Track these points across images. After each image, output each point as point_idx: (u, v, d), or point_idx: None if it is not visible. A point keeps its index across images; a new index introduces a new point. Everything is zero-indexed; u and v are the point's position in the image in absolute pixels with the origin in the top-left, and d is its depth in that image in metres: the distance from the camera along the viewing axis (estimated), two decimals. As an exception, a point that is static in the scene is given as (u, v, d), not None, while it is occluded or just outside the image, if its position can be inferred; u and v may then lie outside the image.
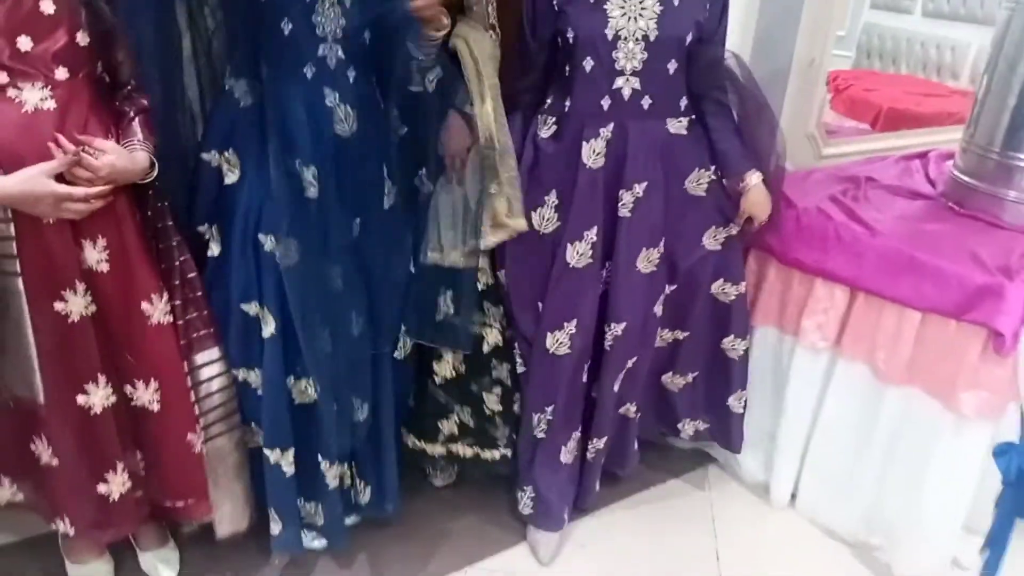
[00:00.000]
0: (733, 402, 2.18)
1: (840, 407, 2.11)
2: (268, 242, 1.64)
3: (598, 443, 2.06)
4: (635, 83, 1.80)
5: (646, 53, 1.78)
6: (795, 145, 2.55)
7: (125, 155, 1.50)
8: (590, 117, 1.84)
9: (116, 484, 1.65)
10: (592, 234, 1.87)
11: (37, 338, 1.50)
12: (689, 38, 1.80)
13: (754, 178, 1.95)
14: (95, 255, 1.53)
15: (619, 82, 1.80)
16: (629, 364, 2.00)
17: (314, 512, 1.86)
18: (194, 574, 1.93)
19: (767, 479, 2.32)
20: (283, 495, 1.78)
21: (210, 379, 1.71)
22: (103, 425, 1.61)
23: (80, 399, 1.57)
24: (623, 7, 1.76)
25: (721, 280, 2.05)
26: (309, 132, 1.61)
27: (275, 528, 1.80)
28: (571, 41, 1.80)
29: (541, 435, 2.00)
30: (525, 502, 2.07)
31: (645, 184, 1.87)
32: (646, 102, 1.83)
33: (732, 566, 2.09)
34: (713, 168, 1.96)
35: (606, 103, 1.82)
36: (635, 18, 1.76)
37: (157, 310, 1.61)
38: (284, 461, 1.74)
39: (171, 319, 1.64)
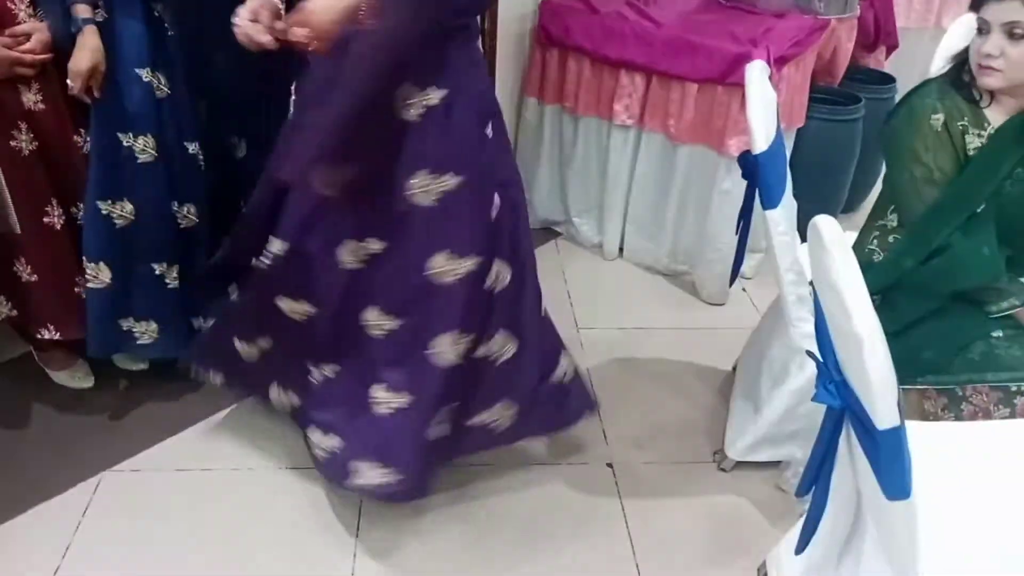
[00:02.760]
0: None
1: (647, 170, 2.71)
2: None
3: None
4: None
5: None
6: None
7: (43, 29, 1.82)
8: None
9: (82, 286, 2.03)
10: None
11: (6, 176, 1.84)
12: None
13: None
14: (31, 96, 1.85)
15: None
16: None
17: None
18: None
19: (601, 239, 2.94)
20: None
21: None
22: (64, 239, 1.98)
23: (44, 219, 1.93)
24: None
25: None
26: None
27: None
28: None
29: None
30: None
31: None
32: None
33: (581, 305, 2.69)
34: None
35: None
36: None
37: (86, 142, 1.95)
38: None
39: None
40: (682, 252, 2.77)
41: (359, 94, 1.51)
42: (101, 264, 1.96)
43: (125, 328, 2.06)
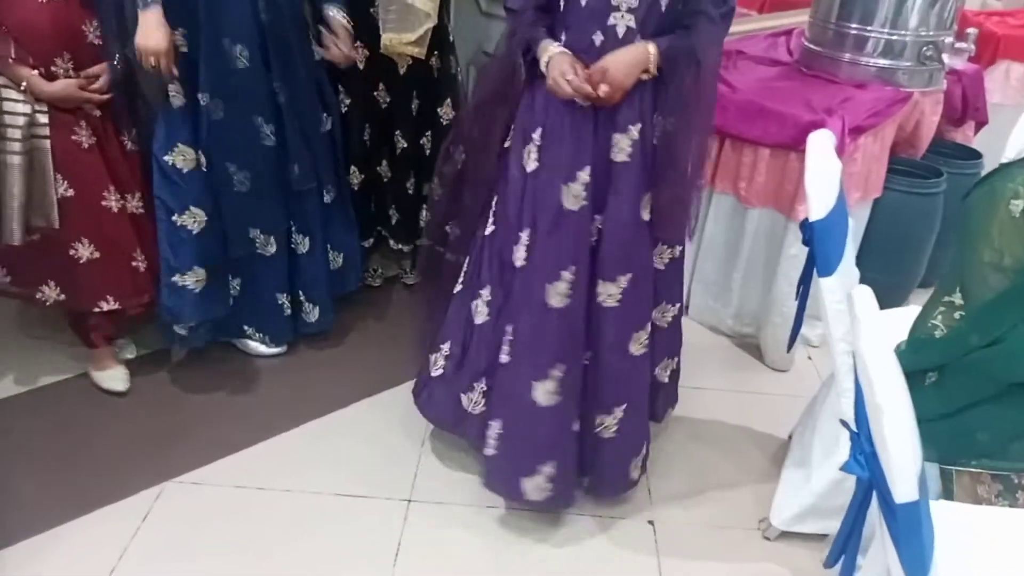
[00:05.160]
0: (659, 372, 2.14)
1: (715, 230, 2.72)
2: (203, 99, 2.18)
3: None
4: (630, 20, 1.72)
5: None
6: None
7: (108, 71, 2.13)
8: (582, 54, 1.75)
9: (140, 260, 2.29)
10: (585, 175, 1.80)
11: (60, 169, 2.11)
12: None
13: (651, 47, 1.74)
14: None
15: (613, 18, 1.73)
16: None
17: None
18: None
19: (666, 296, 2.95)
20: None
21: None
22: (122, 220, 2.24)
23: (103, 202, 2.18)
24: None
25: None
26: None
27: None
28: None
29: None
30: None
31: (640, 126, 1.79)
32: (639, 40, 1.74)
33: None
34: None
35: (598, 39, 1.75)
36: None
37: (128, 141, 2.26)
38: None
39: (137, 149, 2.28)
40: (748, 315, 2.76)
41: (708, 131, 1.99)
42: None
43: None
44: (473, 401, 2.01)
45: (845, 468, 1.19)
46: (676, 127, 1.82)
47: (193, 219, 2.23)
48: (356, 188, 2.76)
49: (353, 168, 2.74)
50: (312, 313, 2.56)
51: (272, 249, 2.42)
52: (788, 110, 2.46)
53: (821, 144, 1.80)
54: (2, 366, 2.46)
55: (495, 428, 1.92)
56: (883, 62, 2.68)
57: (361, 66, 2.60)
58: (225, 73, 2.15)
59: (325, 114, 2.44)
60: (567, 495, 1.98)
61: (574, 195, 1.81)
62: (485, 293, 1.97)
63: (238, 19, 2.12)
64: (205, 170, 2.23)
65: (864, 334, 1.07)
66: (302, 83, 2.30)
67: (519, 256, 1.87)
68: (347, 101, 2.65)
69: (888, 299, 2.10)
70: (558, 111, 1.80)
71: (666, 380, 2.16)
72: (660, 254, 1.98)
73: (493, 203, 1.97)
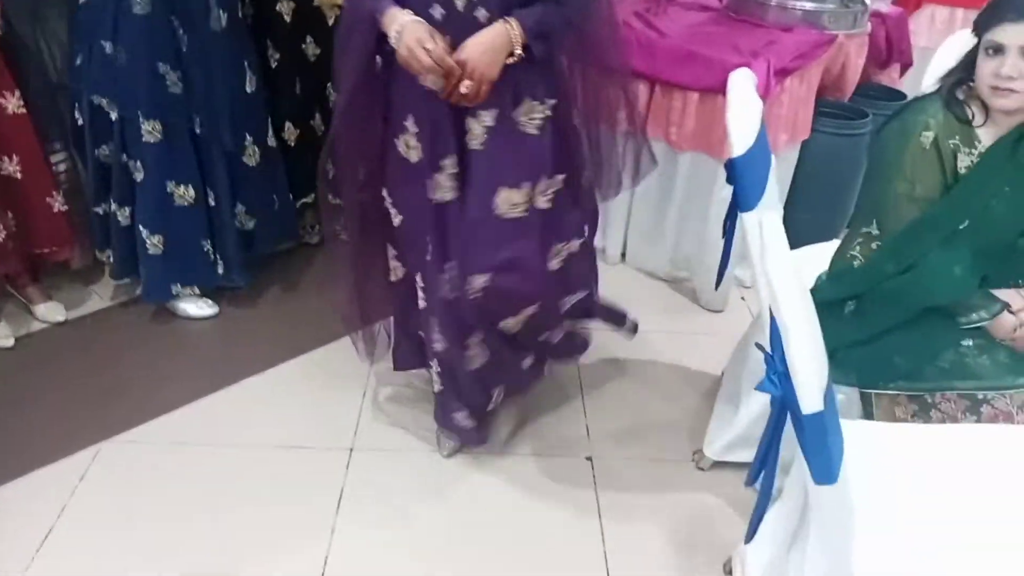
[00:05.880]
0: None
1: (648, 177, 2.75)
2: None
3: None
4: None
5: None
6: (611, -26, 3.09)
7: None
8: None
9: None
10: (451, 164, 1.68)
11: None
12: None
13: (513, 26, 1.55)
14: None
15: None
16: None
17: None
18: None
19: (603, 244, 2.98)
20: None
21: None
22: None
23: None
24: None
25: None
26: None
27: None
28: None
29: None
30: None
31: (496, 112, 1.63)
32: (482, 14, 1.54)
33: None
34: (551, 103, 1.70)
35: (438, 12, 1.54)
36: None
37: (11, 104, 2.19)
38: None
39: (24, 111, 2.24)
40: (683, 258, 2.81)
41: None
42: None
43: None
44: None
45: (760, 387, 1.24)
46: (566, 109, 1.74)
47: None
48: (292, 144, 2.73)
49: (288, 124, 2.70)
50: (219, 266, 2.54)
51: (191, 197, 2.39)
52: (716, 54, 2.49)
53: (741, 83, 1.83)
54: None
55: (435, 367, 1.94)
56: (809, 5, 2.72)
57: (288, 19, 2.55)
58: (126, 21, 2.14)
59: (249, 73, 2.40)
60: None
61: (442, 186, 1.70)
62: (419, 279, 1.88)
63: None
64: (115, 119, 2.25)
65: (770, 258, 1.11)
66: (210, 35, 2.25)
67: (428, 250, 1.79)
68: (276, 56, 2.61)
69: (818, 237, 2.18)
70: (419, 92, 1.62)
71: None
72: (557, 253, 1.81)
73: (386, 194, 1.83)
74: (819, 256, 1.93)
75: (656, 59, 2.57)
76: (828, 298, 1.73)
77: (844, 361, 1.66)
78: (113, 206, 2.39)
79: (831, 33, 2.70)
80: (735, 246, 2.14)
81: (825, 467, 1.10)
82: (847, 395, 1.70)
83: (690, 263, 2.78)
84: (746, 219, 1.77)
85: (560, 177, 1.76)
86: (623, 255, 2.96)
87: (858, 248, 1.80)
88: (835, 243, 2.01)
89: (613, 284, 2.88)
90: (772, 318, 1.31)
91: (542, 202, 1.74)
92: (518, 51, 1.55)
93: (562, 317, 1.92)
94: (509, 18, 1.54)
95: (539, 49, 1.58)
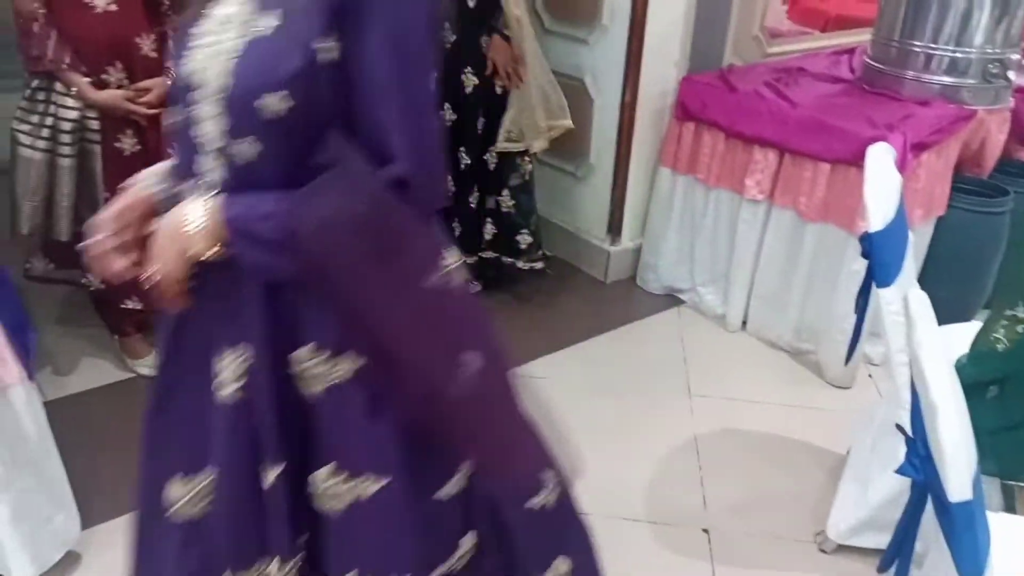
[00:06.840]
0: None
1: (775, 244, 2.73)
2: None
3: None
4: (220, 170, 1.00)
5: (225, 118, 0.97)
6: (743, 44, 3.13)
7: (162, 85, 2.18)
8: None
9: None
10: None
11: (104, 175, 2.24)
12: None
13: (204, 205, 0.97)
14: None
15: (203, 163, 1.01)
16: None
17: None
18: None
19: (724, 311, 2.95)
20: None
21: None
22: None
23: None
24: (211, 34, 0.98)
25: None
26: None
27: None
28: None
29: None
30: None
31: (253, 350, 1.04)
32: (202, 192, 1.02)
33: (697, 373, 2.71)
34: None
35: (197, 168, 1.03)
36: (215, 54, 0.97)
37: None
38: None
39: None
40: (807, 330, 2.74)
41: None
42: None
43: None
44: None
45: (900, 471, 1.20)
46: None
47: None
48: None
49: None
50: None
51: None
52: (849, 126, 2.47)
53: (880, 156, 1.82)
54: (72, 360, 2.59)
55: None
56: (947, 80, 2.67)
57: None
58: None
59: None
60: None
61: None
62: None
63: None
64: None
65: (918, 335, 1.09)
66: None
67: None
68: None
69: (953, 317, 2.09)
70: None
71: None
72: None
73: None
74: (955, 337, 1.86)
75: (787, 128, 2.57)
76: (969, 381, 1.65)
77: (985, 449, 1.57)
78: None
79: (971, 108, 2.63)
80: (866, 322, 2.11)
81: (972, 560, 1.05)
82: (987, 485, 1.62)
83: (815, 335, 2.72)
84: (883, 295, 1.75)
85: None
86: (744, 323, 2.92)
87: (1003, 331, 1.74)
88: (972, 324, 1.94)
89: (731, 351, 2.86)
90: (915, 398, 1.28)
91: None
92: (208, 246, 0.98)
93: None
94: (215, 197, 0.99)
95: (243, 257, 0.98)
